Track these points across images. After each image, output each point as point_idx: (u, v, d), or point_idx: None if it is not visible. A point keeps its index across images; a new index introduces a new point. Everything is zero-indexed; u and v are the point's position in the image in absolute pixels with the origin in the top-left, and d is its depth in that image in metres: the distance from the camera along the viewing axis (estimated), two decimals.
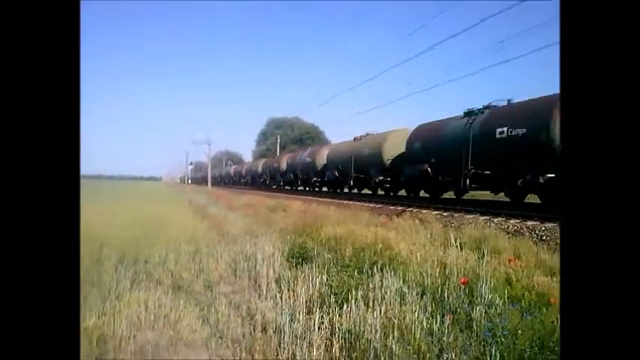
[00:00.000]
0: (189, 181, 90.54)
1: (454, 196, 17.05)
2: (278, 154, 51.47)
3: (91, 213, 10.81)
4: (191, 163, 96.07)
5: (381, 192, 22.34)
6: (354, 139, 24.31)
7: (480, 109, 14.65)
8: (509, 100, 13.99)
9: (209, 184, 57.92)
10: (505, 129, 12.58)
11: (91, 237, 7.02)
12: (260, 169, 44.44)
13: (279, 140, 60.64)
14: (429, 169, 16.18)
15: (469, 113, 14.92)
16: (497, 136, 12.80)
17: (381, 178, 20.78)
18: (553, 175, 11.41)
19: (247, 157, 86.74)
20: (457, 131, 14.81)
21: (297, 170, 32.42)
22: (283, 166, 36.37)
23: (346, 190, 25.32)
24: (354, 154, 22.70)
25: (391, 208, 14.99)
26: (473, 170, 13.89)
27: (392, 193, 21.21)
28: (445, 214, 12.27)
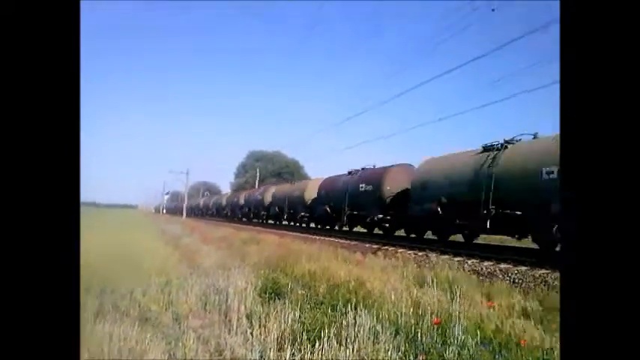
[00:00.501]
0: (164, 211, 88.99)
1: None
2: (257, 186, 51.15)
3: None
4: (167, 193, 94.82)
5: (378, 231, 20.19)
6: (349, 173, 22.16)
7: (501, 143, 12.77)
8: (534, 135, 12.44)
9: (184, 214, 56.95)
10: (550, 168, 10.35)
11: None
12: (242, 201, 42.45)
13: (258, 173, 60.58)
14: (439, 209, 14.13)
15: (489, 148, 12.99)
16: (544, 176, 10.52)
17: (380, 216, 18.69)
18: None
19: (225, 188, 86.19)
20: (474, 166, 12.93)
21: (284, 204, 30.28)
22: (268, 198, 34.28)
23: (337, 227, 23.22)
24: (348, 189, 20.87)
25: (366, 245, 14.97)
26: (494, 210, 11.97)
27: (392, 233, 19.15)
28: (420, 253, 12.31)
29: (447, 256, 11.44)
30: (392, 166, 19.27)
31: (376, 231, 20.21)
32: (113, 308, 5.37)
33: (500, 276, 8.94)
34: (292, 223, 29.84)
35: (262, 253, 11.97)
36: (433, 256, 11.71)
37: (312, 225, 27.23)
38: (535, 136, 12.36)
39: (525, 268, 9.18)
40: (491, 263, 10.17)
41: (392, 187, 18.21)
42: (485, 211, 12.09)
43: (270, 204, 33.70)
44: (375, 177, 19.38)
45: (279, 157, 76.06)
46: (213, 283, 7.04)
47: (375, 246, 14.45)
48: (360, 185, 20.18)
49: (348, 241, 16.55)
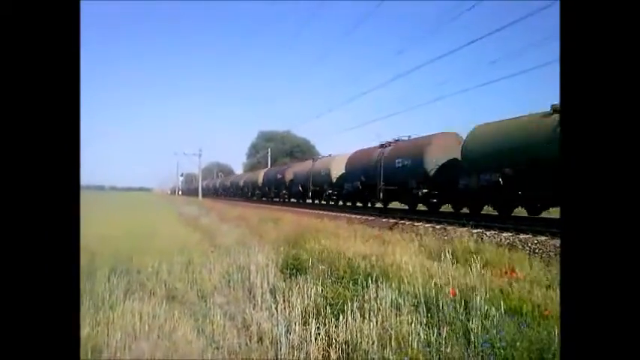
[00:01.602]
0: (180, 193, 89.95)
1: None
2: (269, 166, 51.23)
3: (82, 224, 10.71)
4: (182, 175, 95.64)
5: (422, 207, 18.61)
6: (382, 145, 20.58)
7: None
8: None
9: (200, 195, 57.50)
10: None
11: (83, 248, 6.95)
12: (260, 180, 41.54)
13: (269, 153, 60.68)
14: (500, 180, 12.88)
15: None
16: None
17: (425, 191, 16.66)
18: None
19: (237, 169, 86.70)
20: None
21: (307, 182, 28.97)
22: (289, 176, 33.06)
23: (370, 205, 21.84)
24: (382, 163, 19.25)
25: (383, 220, 15.00)
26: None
27: (438, 209, 17.75)
28: (438, 227, 12.30)
29: (464, 229, 11.42)
30: (434, 135, 17.51)
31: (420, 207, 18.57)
32: (140, 287, 5.51)
33: (520, 246, 8.92)
34: (317, 201, 28.97)
35: (281, 231, 12.08)
36: (451, 228, 11.70)
37: (341, 203, 25.95)
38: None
39: (544, 238, 9.14)
40: (511, 234, 10.12)
41: (436, 157, 16.32)
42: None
43: (292, 182, 32.44)
44: (416, 148, 17.45)
45: (289, 137, 75.98)
46: (235, 261, 7.16)
47: (393, 220, 14.48)
48: (397, 158, 18.29)
49: (366, 217, 16.59)
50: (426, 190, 16.60)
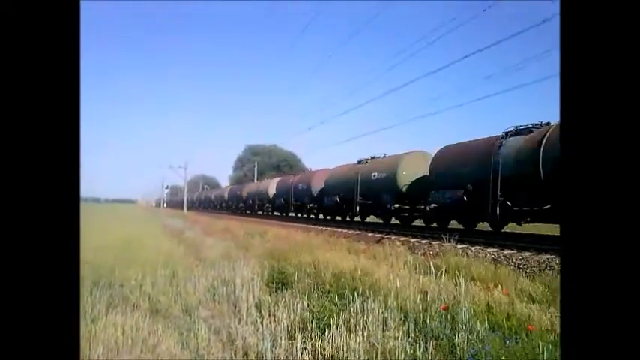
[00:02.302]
0: (165, 205, 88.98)
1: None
2: (255, 180, 51.14)
3: None
4: (167, 187, 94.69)
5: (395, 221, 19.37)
6: (359, 162, 21.62)
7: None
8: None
9: (185, 208, 56.95)
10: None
11: None
12: (244, 194, 41.71)
13: (256, 167, 60.56)
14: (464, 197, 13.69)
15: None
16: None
17: (397, 205, 17.83)
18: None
19: (223, 181, 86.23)
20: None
21: (289, 196, 29.83)
22: (272, 191, 33.77)
23: (347, 218, 22.99)
24: (359, 178, 20.08)
25: (369, 235, 15.02)
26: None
27: (410, 223, 18.42)
28: (423, 241, 12.36)
29: (449, 244, 11.48)
30: (407, 153, 18.50)
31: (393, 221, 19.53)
32: (124, 300, 5.42)
33: (505, 262, 8.99)
34: (299, 215, 29.24)
35: (266, 244, 12.02)
36: (436, 243, 11.75)
37: (321, 217, 26.58)
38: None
39: (528, 254, 9.24)
40: (495, 249, 10.21)
41: (408, 174, 17.41)
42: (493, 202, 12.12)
43: (275, 196, 33.26)
44: (390, 165, 18.46)
45: (276, 151, 76.15)
46: (219, 274, 7.09)
47: (379, 235, 14.50)
48: (373, 174, 19.22)
49: (352, 231, 16.59)
50: (397, 205, 17.73)
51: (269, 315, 4.81)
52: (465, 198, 13.55)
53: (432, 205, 15.29)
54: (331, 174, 24.60)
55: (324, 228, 18.77)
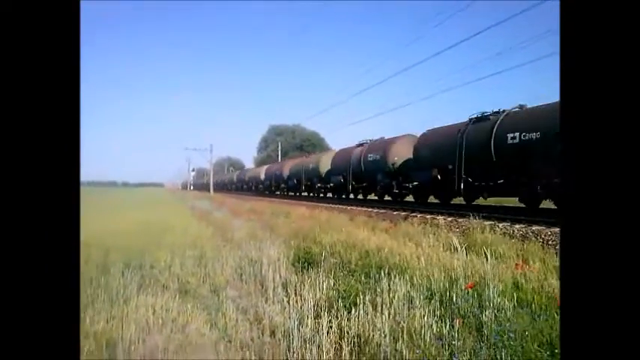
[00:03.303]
0: (192, 188, 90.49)
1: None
2: (280, 160, 51.45)
3: (95, 220, 10.85)
4: (193, 170, 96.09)
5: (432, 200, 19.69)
6: (358, 145, 24.22)
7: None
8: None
9: (211, 190, 57.82)
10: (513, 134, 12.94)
11: (97, 243, 7.05)
12: (262, 176, 43.58)
13: (280, 147, 60.77)
14: (438, 176, 16.30)
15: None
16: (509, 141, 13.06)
17: (383, 183, 20.61)
18: None
19: (248, 162, 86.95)
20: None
21: (301, 176, 32.10)
22: (286, 172, 35.98)
23: (344, 196, 25.97)
24: (362, 159, 22.36)
25: (394, 213, 14.96)
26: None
27: (401, 199, 20.53)
28: (449, 219, 12.24)
29: (476, 220, 11.35)
30: (397, 137, 20.61)
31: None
32: (154, 282, 5.56)
33: (534, 238, 8.84)
34: (311, 194, 30.87)
35: (292, 224, 12.11)
36: (462, 220, 11.63)
37: (329, 195, 28.61)
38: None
39: (559, 229, 9.04)
40: (523, 225, 10.04)
41: (397, 156, 19.69)
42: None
43: (288, 177, 35.76)
44: (382, 148, 20.86)
45: (299, 131, 76.02)
46: (246, 255, 7.20)
47: (404, 213, 14.43)
48: (369, 155, 21.65)
49: (376, 210, 16.57)
50: (383, 183, 20.53)
51: (295, 294, 4.86)
52: (439, 176, 16.19)
53: (414, 182, 18.04)
54: (336, 156, 27.07)
55: (348, 207, 18.81)
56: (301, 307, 4.47)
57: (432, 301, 4.43)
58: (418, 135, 18.85)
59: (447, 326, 3.73)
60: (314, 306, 4.50)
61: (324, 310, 4.31)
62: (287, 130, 77.36)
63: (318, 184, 29.21)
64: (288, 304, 4.60)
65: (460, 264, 5.73)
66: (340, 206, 19.66)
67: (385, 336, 3.63)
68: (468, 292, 4.54)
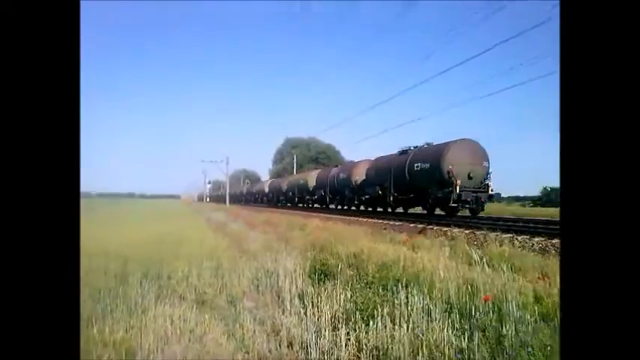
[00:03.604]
0: (208, 199, 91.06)
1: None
2: (295, 172, 51.72)
3: (113, 231, 10.99)
4: (209, 182, 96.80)
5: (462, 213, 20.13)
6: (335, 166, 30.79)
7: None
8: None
9: (227, 202, 58.12)
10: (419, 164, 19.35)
11: (116, 254, 7.14)
12: (284, 187, 44.65)
13: (295, 159, 60.97)
14: (379, 191, 23.07)
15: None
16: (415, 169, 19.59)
17: (352, 195, 28.26)
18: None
19: (264, 174, 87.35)
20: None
21: (326, 187, 33.13)
22: (312, 183, 36.67)
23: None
24: (335, 177, 30.76)
25: (411, 225, 14.85)
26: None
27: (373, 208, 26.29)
28: (467, 231, 12.11)
29: (494, 233, 11.20)
30: (359, 161, 28.51)
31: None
32: (171, 292, 5.59)
33: (553, 251, 8.68)
34: (339, 207, 31.42)
35: (307, 236, 12.10)
36: (480, 233, 11.49)
37: (362, 208, 29.27)
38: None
39: None
40: (542, 238, 9.88)
41: (358, 176, 27.04)
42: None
43: (286, 191, 42.42)
44: (347, 169, 29.06)
45: (315, 143, 76.19)
46: (262, 266, 7.20)
47: (420, 226, 14.32)
48: (340, 175, 29.71)
49: (392, 222, 16.47)
50: (351, 195, 28.13)
51: (312, 306, 4.84)
52: (380, 192, 22.82)
53: (366, 196, 25.45)
54: (317, 175, 35.95)
55: (364, 219, 18.74)
56: (318, 319, 4.44)
57: (451, 314, 4.36)
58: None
59: (467, 339, 3.66)
60: (331, 318, 4.48)
61: (342, 323, 4.28)
62: (302, 143, 77.65)
63: (307, 197, 37.45)
64: (305, 315, 4.57)
65: (479, 277, 5.64)
66: (355, 218, 19.62)
67: (404, 349, 3.59)
68: (487, 305, 4.47)
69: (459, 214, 18.86)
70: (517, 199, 53.15)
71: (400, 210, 22.97)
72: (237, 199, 68.14)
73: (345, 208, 29.74)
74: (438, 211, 19.96)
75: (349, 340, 3.90)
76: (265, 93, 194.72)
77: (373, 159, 26.16)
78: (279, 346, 4.02)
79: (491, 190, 17.74)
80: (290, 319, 4.56)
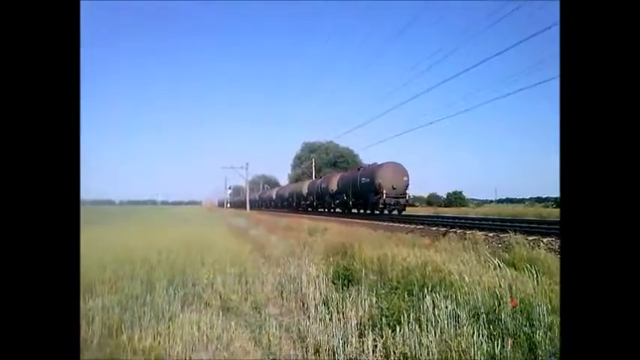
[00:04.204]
0: (228, 205, 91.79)
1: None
2: (314, 177, 51.99)
3: (137, 237, 11.13)
4: (229, 188, 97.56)
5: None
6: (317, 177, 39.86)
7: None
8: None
9: (247, 207, 58.48)
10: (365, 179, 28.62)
11: (141, 260, 7.23)
12: (286, 194, 49.32)
13: (314, 164, 61.03)
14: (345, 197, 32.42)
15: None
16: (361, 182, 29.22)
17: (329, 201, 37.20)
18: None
19: (283, 180, 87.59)
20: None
21: (314, 194, 41.85)
22: (305, 190, 44.95)
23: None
24: (319, 186, 39.75)
25: (433, 229, 14.69)
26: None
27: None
28: (491, 234, 11.92)
29: (520, 236, 10.99)
30: (332, 174, 39.43)
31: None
32: (197, 298, 5.63)
33: None
34: (361, 212, 33.80)
35: (329, 241, 12.06)
36: (504, 236, 11.29)
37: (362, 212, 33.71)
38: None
39: None
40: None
41: (333, 186, 35.46)
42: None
43: (287, 197, 51.44)
44: (326, 180, 38.13)
45: (333, 147, 75.97)
46: (285, 272, 7.21)
47: (443, 229, 14.16)
48: (322, 184, 38.83)
49: (414, 226, 16.33)
50: (329, 200, 36.59)
51: (337, 312, 4.81)
52: (345, 198, 32.01)
53: (338, 201, 34.38)
54: (309, 184, 44.47)
55: (384, 224, 18.62)
56: (344, 325, 4.42)
57: (479, 320, 4.29)
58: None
59: (499, 346, 3.59)
60: (357, 324, 4.45)
61: (368, 329, 4.24)
62: (320, 147, 77.53)
63: (302, 202, 44.60)
64: (331, 321, 4.55)
65: (505, 281, 5.54)
66: (375, 222, 19.49)
67: (433, 356, 3.53)
68: (515, 310, 4.37)
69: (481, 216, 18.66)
70: (539, 200, 52.25)
71: (389, 213, 26.65)
72: (257, 204, 68.59)
73: (332, 211, 36.40)
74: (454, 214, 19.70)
75: (376, 346, 3.87)
76: (284, 99, 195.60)
77: (341, 173, 38.04)
78: (306, 352, 4.01)
79: (409, 197, 27.26)
80: (315, 326, 4.54)
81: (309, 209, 42.43)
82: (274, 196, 60.30)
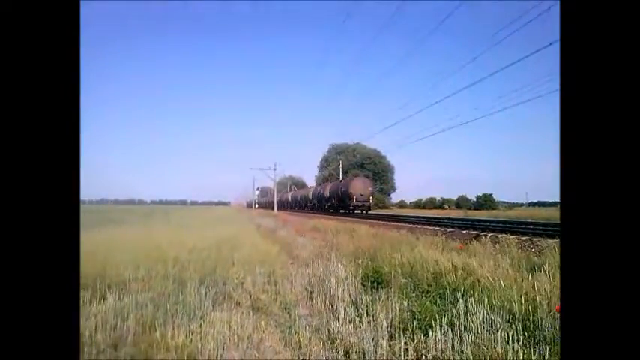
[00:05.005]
0: (256, 206, 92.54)
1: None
2: (341, 179, 52.12)
3: (168, 237, 11.33)
4: (257, 189, 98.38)
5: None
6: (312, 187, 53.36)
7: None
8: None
9: (275, 208, 58.82)
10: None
11: (173, 259, 7.35)
12: (297, 196, 52.03)
13: (341, 166, 60.96)
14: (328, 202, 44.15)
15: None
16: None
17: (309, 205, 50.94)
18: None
19: (310, 181, 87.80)
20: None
21: (315, 198, 54.17)
22: (310, 195, 54.94)
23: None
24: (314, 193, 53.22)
25: (463, 232, 14.44)
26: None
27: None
28: (523, 238, 11.62)
29: (552, 240, 10.68)
30: (326, 183, 50.68)
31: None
32: (227, 297, 5.68)
33: None
34: (389, 214, 42.96)
35: (357, 242, 12.00)
36: (537, 239, 11.00)
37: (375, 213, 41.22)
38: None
39: None
40: None
41: (327, 192, 45.71)
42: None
43: (297, 200, 63.61)
44: (322, 187, 50.04)
45: (360, 149, 75.67)
46: (314, 273, 7.20)
47: (473, 232, 13.90)
48: (318, 190, 50.86)
49: (444, 229, 16.08)
50: (324, 203, 47.37)
51: (367, 314, 4.76)
52: (333, 201, 43.82)
53: (329, 204, 45.10)
54: (313, 190, 55.51)
55: (412, 226, 18.41)
56: (374, 328, 4.36)
57: (514, 325, 4.16)
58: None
59: (536, 353, 3.48)
60: (387, 327, 4.38)
61: (399, 332, 4.18)
62: (348, 149, 77.34)
63: (308, 204, 55.09)
64: (361, 323, 4.50)
65: (541, 285, 5.37)
66: (404, 225, 19.30)
67: None
68: (553, 316, 4.23)
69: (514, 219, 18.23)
70: (554, 203, 51.21)
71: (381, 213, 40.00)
72: (284, 205, 69.10)
73: (330, 212, 44.73)
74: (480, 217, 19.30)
75: (407, 350, 3.81)
76: (312, 100, 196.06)
77: (332, 183, 49.35)
78: (336, 353, 3.98)
79: (371, 201, 39.56)
80: (345, 327, 4.50)
81: (312, 210, 52.20)
82: (290, 199, 71.97)
